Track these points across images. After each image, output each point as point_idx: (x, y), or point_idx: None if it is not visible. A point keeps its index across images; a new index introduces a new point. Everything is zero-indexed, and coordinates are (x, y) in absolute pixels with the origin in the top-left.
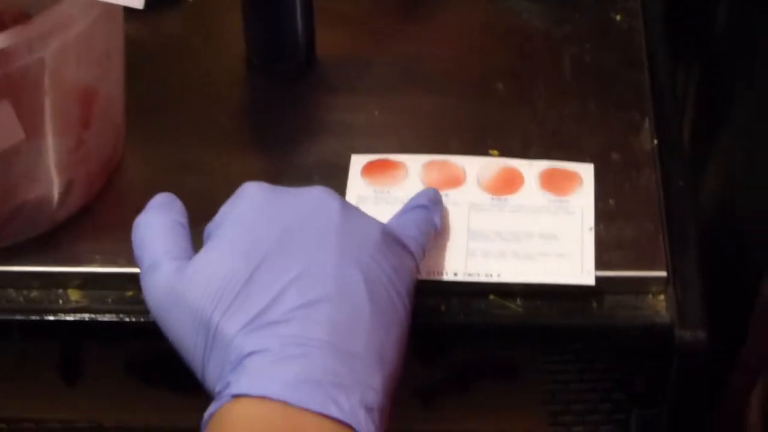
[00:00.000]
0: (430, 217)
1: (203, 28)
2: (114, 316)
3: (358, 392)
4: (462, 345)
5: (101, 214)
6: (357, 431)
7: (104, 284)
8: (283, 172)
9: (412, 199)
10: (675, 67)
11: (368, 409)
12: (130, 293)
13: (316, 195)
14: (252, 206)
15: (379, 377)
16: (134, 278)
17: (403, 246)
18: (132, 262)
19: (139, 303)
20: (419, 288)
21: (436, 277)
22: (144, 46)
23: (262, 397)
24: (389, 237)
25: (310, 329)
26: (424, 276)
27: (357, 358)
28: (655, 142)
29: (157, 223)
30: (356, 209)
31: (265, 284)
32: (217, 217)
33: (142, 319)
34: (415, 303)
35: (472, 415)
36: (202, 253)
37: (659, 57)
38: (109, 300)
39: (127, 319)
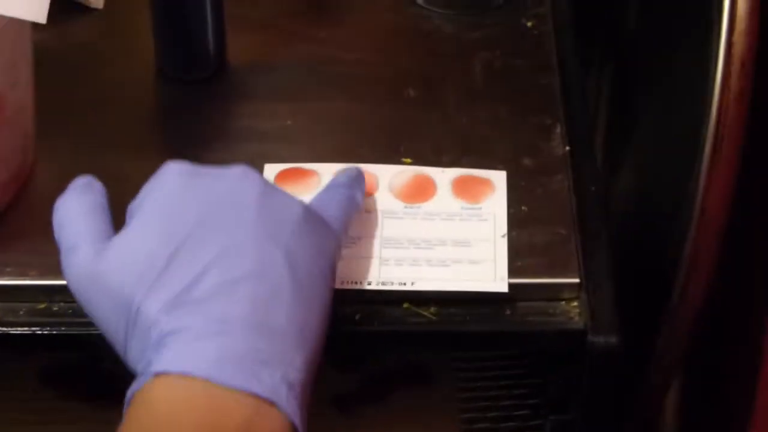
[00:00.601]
0: (352, 195)
1: (114, 36)
2: (26, 329)
3: (280, 369)
4: (377, 353)
5: (11, 224)
6: (279, 407)
7: (16, 297)
8: None
9: (334, 178)
10: (586, 72)
11: (290, 386)
12: (42, 305)
13: (237, 173)
14: (172, 186)
15: (301, 354)
16: (47, 290)
17: (325, 224)
18: (45, 274)
19: (52, 315)
20: (334, 297)
21: (351, 286)
22: (54, 54)
23: (184, 374)
24: (311, 215)
25: (231, 307)
26: (338, 285)
27: (279, 335)
28: (567, 147)
29: (77, 204)
30: (277, 188)
31: (186, 264)
32: (138, 197)
33: (55, 332)
34: (330, 312)
35: (389, 423)
36: (123, 233)
37: (569, 62)
38: (21, 312)
39: (40, 332)
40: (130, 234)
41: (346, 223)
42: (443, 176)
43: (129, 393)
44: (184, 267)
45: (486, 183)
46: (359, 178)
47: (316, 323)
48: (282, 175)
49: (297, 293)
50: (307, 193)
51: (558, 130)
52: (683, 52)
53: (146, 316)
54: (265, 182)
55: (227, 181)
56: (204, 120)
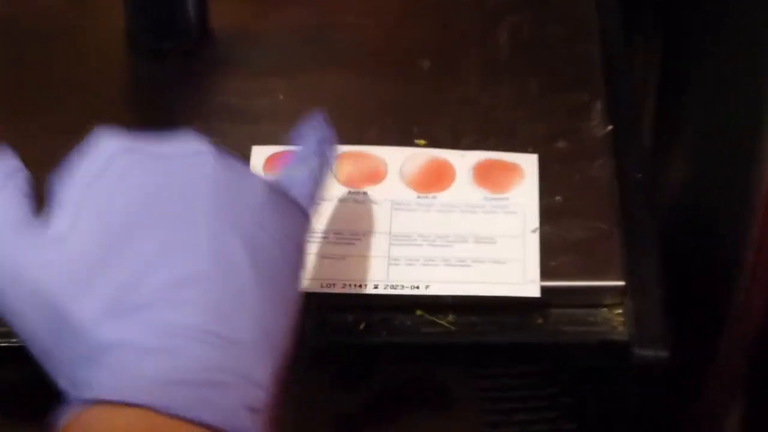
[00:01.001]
0: (323, 161)
1: (80, 1)
2: None
3: (239, 390)
4: (385, 368)
5: None
6: None
7: None
8: None
9: (298, 142)
10: (630, 40)
11: (253, 409)
12: None
13: (187, 148)
14: (107, 164)
15: (268, 365)
16: None
17: (294, 205)
18: None
19: None
20: (333, 304)
21: (354, 290)
22: (15, 23)
23: (123, 403)
24: (277, 195)
25: (180, 313)
26: (339, 289)
27: (239, 346)
28: (609, 127)
29: None
30: (236, 163)
31: (126, 261)
32: (66, 178)
33: None
34: (331, 320)
35: None
36: (48, 225)
37: (612, 28)
38: None
39: None
40: (58, 225)
41: (317, 197)
42: (463, 161)
43: (58, 420)
44: (124, 265)
45: (514, 169)
46: (328, 136)
47: (285, 325)
48: (274, 159)
49: (261, 292)
50: None
51: (598, 107)
52: (745, 19)
53: (76, 325)
54: (221, 157)
55: (175, 157)
56: (182, 97)
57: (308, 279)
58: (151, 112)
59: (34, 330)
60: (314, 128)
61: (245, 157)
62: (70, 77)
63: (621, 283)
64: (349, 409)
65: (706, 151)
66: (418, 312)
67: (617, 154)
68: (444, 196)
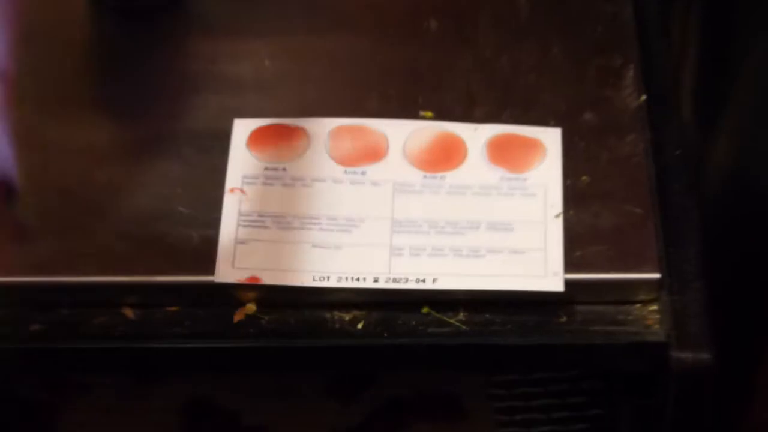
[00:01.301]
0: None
1: None
2: None
3: None
4: (388, 375)
5: None
6: None
7: None
8: (145, 145)
9: None
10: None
11: None
12: None
13: None
14: None
15: None
16: None
17: None
18: None
19: None
20: (326, 300)
21: (351, 284)
22: None
23: None
24: None
25: None
26: (333, 283)
27: None
28: (643, 97)
29: None
30: None
31: None
32: None
33: None
34: (324, 319)
35: None
36: None
37: None
38: None
39: None
40: None
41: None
42: (476, 136)
43: None
44: None
45: (534, 145)
46: None
47: None
48: (258, 134)
49: None
50: (293, 154)
51: (631, 73)
52: None
53: None
54: None
55: None
56: (154, 62)
57: (298, 271)
58: (119, 80)
59: None
60: None
61: (226, 132)
62: (27, 39)
63: (656, 275)
64: (346, 422)
65: (759, 127)
66: (425, 310)
67: (653, 127)
68: (454, 176)
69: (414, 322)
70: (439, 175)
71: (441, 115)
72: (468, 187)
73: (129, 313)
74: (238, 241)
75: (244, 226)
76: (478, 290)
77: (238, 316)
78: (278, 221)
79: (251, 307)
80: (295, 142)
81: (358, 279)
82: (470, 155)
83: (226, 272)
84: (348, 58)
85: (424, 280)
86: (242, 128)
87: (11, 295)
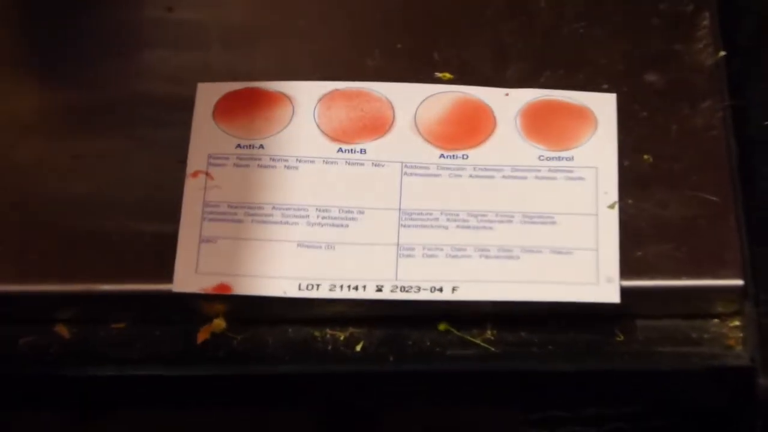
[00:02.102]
0: None
1: None
2: None
3: None
4: (394, 411)
5: None
6: None
7: None
8: (83, 117)
9: None
10: None
11: None
12: None
13: None
14: None
15: None
16: None
17: None
18: None
19: None
20: (317, 314)
21: (348, 294)
22: None
23: None
24: None
25: None
26: (326, 292)
27: None
28: (722, 53)
29: None
30: None
31: None
32: None
33: None
34: (314, 339)
35: None
36: None
37: None
38: None
39: None
40: None
41: None
42: (507, 103)
43: None
44: None
45: (582, 115)
46: None
47: None
48: (228, 102)
49: None
50: (273, 127)
51: (706, 22)
52: None
53: None
54: None
55: None
56: (94, 13)
57: (279, 277)
58: (48, 37)
59: None
60: None
61: (186, 99)
62: None
63: (739, 282)
64: None
65: None
66: (442, 326)
67: (734, 91)
68: (479, 155)
69: (428, 343)
70: (460, 153)
71: (462, 76)
72: (497, 169)
73: (63, 331)
74: (203, 240)
75: (211, 219)
76: (511, 302)
77: (202, 335)
78: (254, 213)
79: (219, 324)
80: (274, 112)
81: (356, 287)
82: (500, 128)
83: (187, 279)
84: (344, 5)
85: (441, 289)
86: (207, 94)
87: None
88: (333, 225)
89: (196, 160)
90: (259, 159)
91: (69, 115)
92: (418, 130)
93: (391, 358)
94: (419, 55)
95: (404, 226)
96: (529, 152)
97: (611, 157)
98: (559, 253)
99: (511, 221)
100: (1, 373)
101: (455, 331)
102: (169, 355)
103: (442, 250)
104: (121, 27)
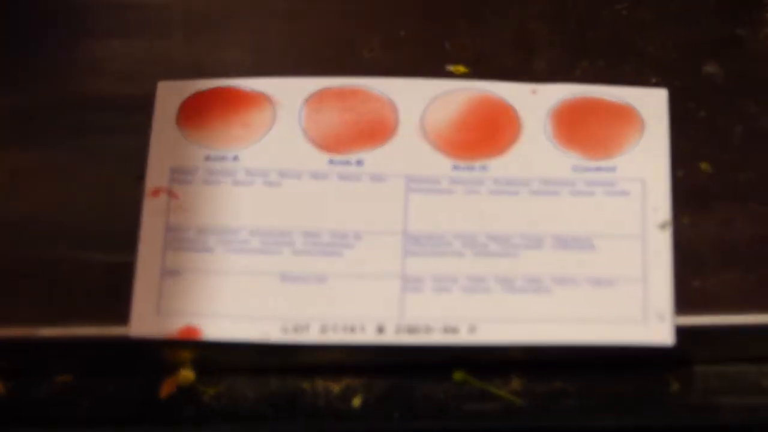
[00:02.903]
0: None
1: None
2: None
3: None
4: None
5: None
6: None
7: None
8: (19, 121)
9: None
10: None
11: None
12: None
13: None
14: None
15: None
16: None
17: None
18: None
19: None
20: (306, 361)
21: (343, 337)
22: None
23: None
24: None
25: None
26: (315, 335)
27: None
28: None
29: None
30: None
31: None
32: None
33: None
34: (303, 392)
35: None
36: None
37: None
38: None
39: None
40: None
41: None
42: (535, 102)
43: None
44: None
45: (625, 115)
46: None
47: None
48: (195, 104)
49: None
50: (249, 135)
51: None
52: None
53: None
54: None
55: None
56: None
57: (259, 318)
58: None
59: None
60: None
61: (145, 100)
62: None
63: None
64: None
65: None
66: (458, 375)
67: None
68: (500, 166)
69: (441, 395)
70: (477, 163)
71: (480, 69)
72: (523, 183)
73: None
74: (166, 273)
75: (175, 248)
76: (541, 345)
77: (166, 389)
78: (227, 240)
79: (187, 375)
80: (251, 116)
81: (352, 329)
82: (526, 132)
83: (147, 321)
84: None
85: (456, 329)
86: (169, 95)
87: None
88: (324, 253)
89: (156, 175)
90: (233, 173)
91: (2, 122)
92: (427, 136)
93: (396, 415)
94: (427, 44)
95: (410, 253)
96: (562, 162)
97: (662, 166)
98: (599, 284)
99: (540, 246)
100: None
101: (473, 381)
102: (126, 414)
103: (456, 282)
104: (62, 13)
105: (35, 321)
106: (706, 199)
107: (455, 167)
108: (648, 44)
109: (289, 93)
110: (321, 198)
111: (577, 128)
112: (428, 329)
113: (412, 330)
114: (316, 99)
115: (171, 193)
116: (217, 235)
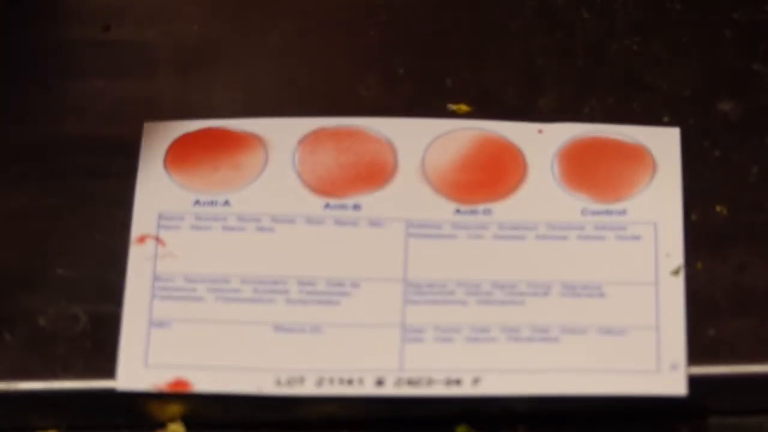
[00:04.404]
0: None
1: None
2: None
3: None
4: None
5: None
6: None
7: None
8: (1, 162)
9: None
10: None
11: None
12: None
13: None
14: None
15: None
16: None
17: None
18: None
19: None
20: (300, 415)
21: (337, 390)
22: None
23: None
24: None
25: None
26: (311, 388)
27: None
28: None
29: None
30: None
31: None
32: None
33: None
34: None
35: None
36: None
37: None
38: None
39: None
40: None
41: None
42: (541, 142)
43: None
44: None
45: (636, 155)
46: None
47: None
48: (184, 146)
49: None
50: (240, 178)
51: None
52: None
53: None
54: None
55: None
56: (13, 33)
57: (252, 369)
58: None
59: None
60: None
61: (130, 142)
62: None
63: None
64: None
65: None
66: (462, 430)
67: None
68: (506, 209)
69: None
70: (480, 207)
71: (483, 108)
72: (529, 227)
73: None
74: (154, 323)
75: (163, 297)
76: (549, 396)
77: None
78: (218, 289)
79: (177, 430)
80: (242, 159)
81: (350, 381)
82: (532, 174)
83: (134, 374)
84: (330, 16)
85: (459, 381)
86: (156, 136)
87: None
88: (319, 302)
89: (143, 220)
90: (224, 219)
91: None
92: (427, 179)
93: None
94: (427, 82)
95: (411, 302)
96: (570, 205)
97: (675, 209)
98: (610, 333)
99: (547, 294)
100: None
101: None
102: None
103: (459, 332)
104: (44, 51)
105: (17, 374)
106: (722, 243)
107: (457, 211)
108: (659, 80)
109: (281, 134)
110: (316, 244)
111: (585, 169)
112: (430, 381)
113: (412, 382)
114: (310, 140)
115: (158, 240)
116: (207, 284)
